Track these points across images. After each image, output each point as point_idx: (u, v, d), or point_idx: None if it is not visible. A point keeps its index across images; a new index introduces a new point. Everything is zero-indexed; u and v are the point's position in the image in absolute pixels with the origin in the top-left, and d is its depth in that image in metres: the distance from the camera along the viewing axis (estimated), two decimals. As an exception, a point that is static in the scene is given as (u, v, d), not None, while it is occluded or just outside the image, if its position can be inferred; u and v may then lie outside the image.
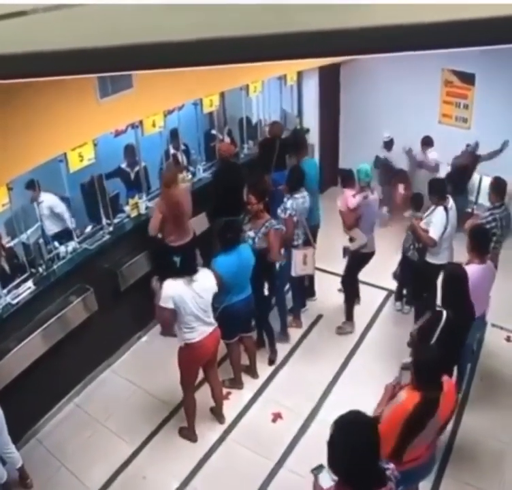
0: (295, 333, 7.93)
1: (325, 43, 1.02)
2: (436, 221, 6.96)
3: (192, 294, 5.63)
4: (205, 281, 5.76)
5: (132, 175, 8.25)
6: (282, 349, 7.58)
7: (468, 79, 9.52)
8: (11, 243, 6.72)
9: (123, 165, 8.28)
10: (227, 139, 9.35)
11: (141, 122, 7.24)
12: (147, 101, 6.81)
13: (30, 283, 6.29)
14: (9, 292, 6.14)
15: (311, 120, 10.65)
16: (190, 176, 8.49)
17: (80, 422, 6.71)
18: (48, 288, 6.42)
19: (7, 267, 6.33)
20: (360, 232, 7.37)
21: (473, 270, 5.78)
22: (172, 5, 1.09)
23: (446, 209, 7.01)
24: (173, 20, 1.09)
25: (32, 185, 6.78)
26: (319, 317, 8.23)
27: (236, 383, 7.05)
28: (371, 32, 1.00)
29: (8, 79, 1.26)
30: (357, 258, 7.59)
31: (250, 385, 7.13)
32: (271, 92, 9.89)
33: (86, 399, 7.03)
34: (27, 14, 1.15)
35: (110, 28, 1.13)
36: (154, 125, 7.31)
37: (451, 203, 7.12)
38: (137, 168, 8.09)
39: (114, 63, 1.16)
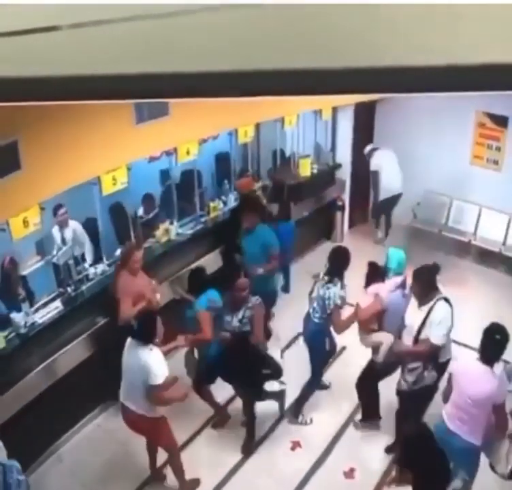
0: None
1: (363, 80, 1.05)
2: (440, 321, 5.67)
3: None
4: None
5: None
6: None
7: (501, 121, 9.53)
8: (40, 264, 6.76)
9: (140, 212, 7.97)
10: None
11: (175, 149, 7.31)
12: (182, 129, 6.89)
13: (58, 302, 6.35)
14: (36, 310, 6.20)
15: (344, 156, 10.68)
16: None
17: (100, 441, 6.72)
18: (76, 309, 6.47)
19: (23, 293, 6.28)
20: (385, 335, 6.07)
21: None
22: (211, 31, 1.10)
23: (447, 301, 5.79)
24: (209, 49, 1.10)
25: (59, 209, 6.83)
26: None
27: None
28: (409, 72, 1.02)
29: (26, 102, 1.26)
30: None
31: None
32: (306, 126, 9.95)
33: (106, 419, 7.01)
34: (57, 30, 1.13)
35: (141, 53, 1.12)
36: (188, 153, 7.37)
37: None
38: (151, 215, 8.00)
39: (143, 91, 1.16)
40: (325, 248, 10.61)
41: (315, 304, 6.36)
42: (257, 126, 8.84)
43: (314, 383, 6.83)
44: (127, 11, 1.08)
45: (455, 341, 8.01)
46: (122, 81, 1.12)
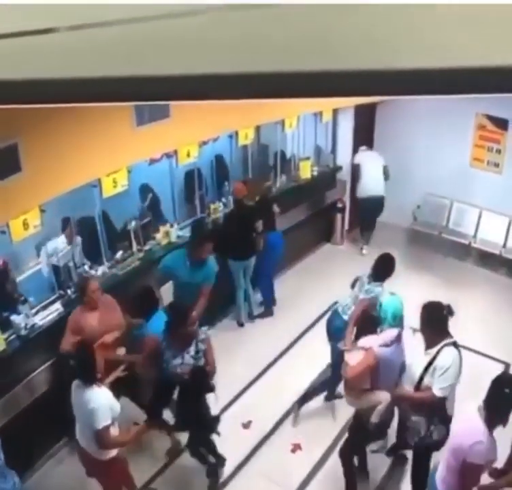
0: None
1: (367, 83, 1.04)
2: (446, 369, 4.96)
3: None
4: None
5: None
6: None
7: (501, 124, 9.53)
8: (40, 266, 6.75)
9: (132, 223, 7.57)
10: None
11: (175, 151, 7.31)
12: (183, 131, 6.88)
13: (58, 305, 6.34)
14: (36, 313, 6.20)
15: (344, 158, 10.68)
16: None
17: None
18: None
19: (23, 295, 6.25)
20: (381, 394, 5.28)
21: None
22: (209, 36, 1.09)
23: (456, 346, 5.11)
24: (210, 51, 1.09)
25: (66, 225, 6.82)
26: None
27: None
28: (410, 74, 1.02)
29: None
30: None
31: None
32: (306, 128, 9.96)
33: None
34: (55, 31, 1.11)
35: (141, 54, 1.09)
36: (188, 155, 7.37)
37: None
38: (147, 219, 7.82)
39: (143, 93, 1.13)
40: (324, 250, 10.70)
41: (349, 301, 6.33)
42: (258, 128, 8.85)
43: (332, 380, 6.71)
44: (127, 12, 1.08)
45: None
46: (123, 83, 1.11)
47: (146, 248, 7.47)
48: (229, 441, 6.28)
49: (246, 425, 6.76)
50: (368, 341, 5.36)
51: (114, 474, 5.29)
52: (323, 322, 7.14)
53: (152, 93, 1.15)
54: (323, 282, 9.18)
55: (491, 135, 9.73)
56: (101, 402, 4.83)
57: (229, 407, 6.91)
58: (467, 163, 10.13)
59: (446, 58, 1.00)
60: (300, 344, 7.98)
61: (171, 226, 7.80)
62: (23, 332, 5.98)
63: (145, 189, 7.95)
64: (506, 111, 9.25)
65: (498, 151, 9.74)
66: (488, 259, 10.12)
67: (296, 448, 6.57)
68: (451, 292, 9.32)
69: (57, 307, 6.34)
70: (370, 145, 10.74)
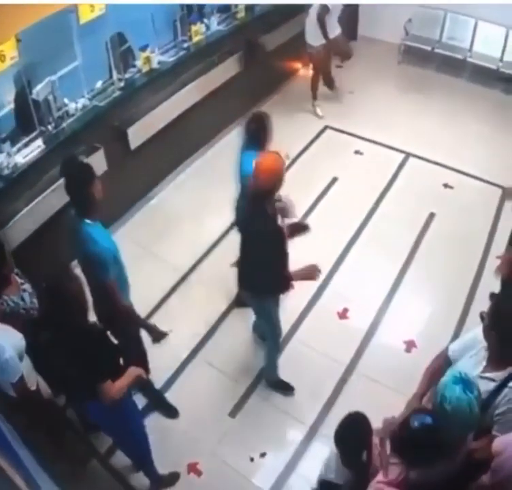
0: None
1: None
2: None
3: None
4: None
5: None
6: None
7: None
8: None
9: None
10: None
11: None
12: None
13: (40, 141, 6.06)
14: (18, 151, 5.93)
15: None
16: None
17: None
18: (58, 147, 6.17)
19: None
20: None
21: None
22: None
23: None
24: None
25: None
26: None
27: None
28: None
29: None
30: None
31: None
32: None
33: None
34: None
35: None
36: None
37: None
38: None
39: None
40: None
41: None
42: None
43: None
44: None
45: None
46: None
47: (127, 76, 7.04)
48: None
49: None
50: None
51: None
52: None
53: None
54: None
55: None
56: None
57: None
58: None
59: None
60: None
61: (152, 51, 7.29)
62: (6, 172, 5.76)
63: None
64: None
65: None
66: (484, 75, 9.76)
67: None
68: (446, 111, 9.15)
69: (39, 144, 6.05)
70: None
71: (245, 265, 4.89)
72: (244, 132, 5.51)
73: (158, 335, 4.88)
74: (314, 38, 8.83)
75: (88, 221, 4.36)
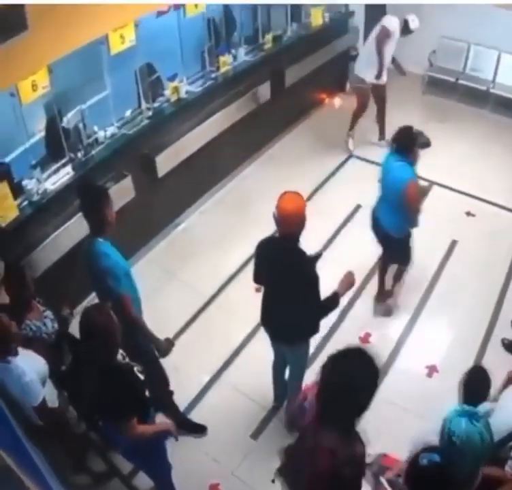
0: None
1: None
2: None
3: None
4: None
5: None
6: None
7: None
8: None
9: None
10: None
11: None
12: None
13: (69, 168, 6.18)
14: (48, 177, 6.05)
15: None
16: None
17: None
18: (86, 174, 6.26)
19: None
20: None
21: None
22: None
23: None
24: None
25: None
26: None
27: None
28: None
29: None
30: None
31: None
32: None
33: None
34: None
35: None
36: (196, 6, 6.96)
37: None
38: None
39: None
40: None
41: None
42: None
43: None
44: None
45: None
46: None
47: (155, 105, 7.17)
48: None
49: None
50: None
51: None
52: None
53: None
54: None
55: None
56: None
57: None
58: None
59: None
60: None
61: (181, 81, 7.44)
62: (36, 197, 5.87)
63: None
64: None
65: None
66: (507, 106, 9.79)
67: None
68: (470, 141, 9.21)
69: (68, 171, 6.18)
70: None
71: (282, 315, 4.60)
72: (393, 143, 5.80)
73: (167, 346, 5.00)
74: (366, 71, 8.58)
75: (100, 239, 4.57)
